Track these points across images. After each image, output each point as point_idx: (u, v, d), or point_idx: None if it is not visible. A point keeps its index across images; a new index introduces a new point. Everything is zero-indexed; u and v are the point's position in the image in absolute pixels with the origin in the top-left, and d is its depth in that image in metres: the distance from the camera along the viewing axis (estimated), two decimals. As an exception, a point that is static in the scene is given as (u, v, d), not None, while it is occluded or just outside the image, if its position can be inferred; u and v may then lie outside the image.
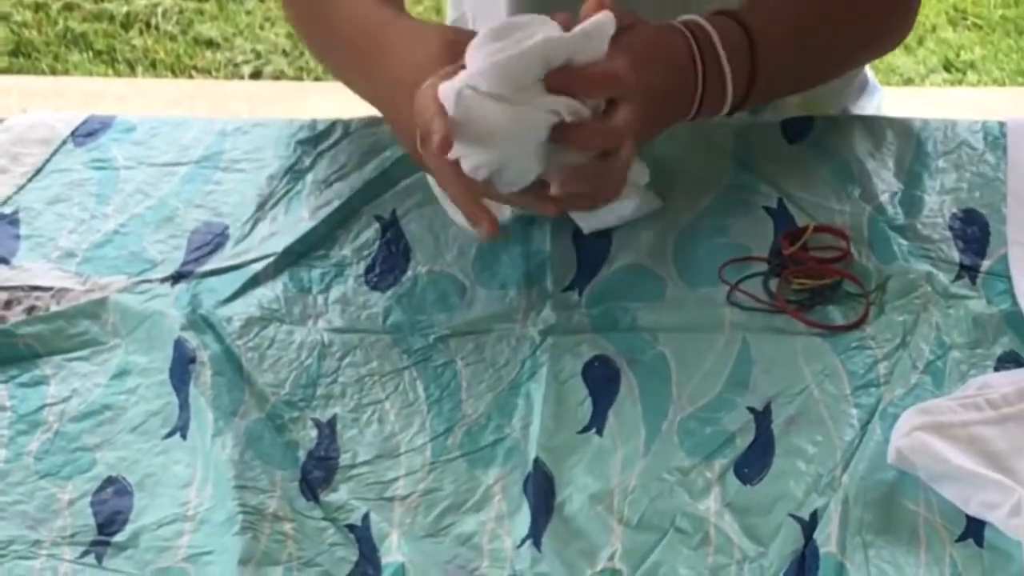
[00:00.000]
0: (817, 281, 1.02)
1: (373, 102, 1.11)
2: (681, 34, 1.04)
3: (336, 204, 1.09)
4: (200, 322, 1.00)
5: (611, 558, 0.86)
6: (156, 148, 1.17)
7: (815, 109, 1.20)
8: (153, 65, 2.96)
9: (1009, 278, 1.02)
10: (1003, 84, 3.01)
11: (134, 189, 1.13)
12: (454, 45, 0.99)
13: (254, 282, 1.04)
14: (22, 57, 3.00)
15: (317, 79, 2.95)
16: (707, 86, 1.04)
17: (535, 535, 0.87)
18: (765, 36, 1.07)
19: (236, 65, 3.01)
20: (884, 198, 1.09)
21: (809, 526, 0.87)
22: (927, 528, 0.87)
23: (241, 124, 1.19)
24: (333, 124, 1.18)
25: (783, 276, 1.03)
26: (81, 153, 1.17)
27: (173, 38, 3.06)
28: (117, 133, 1.18)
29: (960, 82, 3.03)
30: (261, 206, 1.11)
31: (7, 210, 1.12)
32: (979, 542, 0.86)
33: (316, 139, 1.16)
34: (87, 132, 1.18)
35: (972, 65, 3.07)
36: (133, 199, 1.12)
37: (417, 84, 0.97)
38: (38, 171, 1.15)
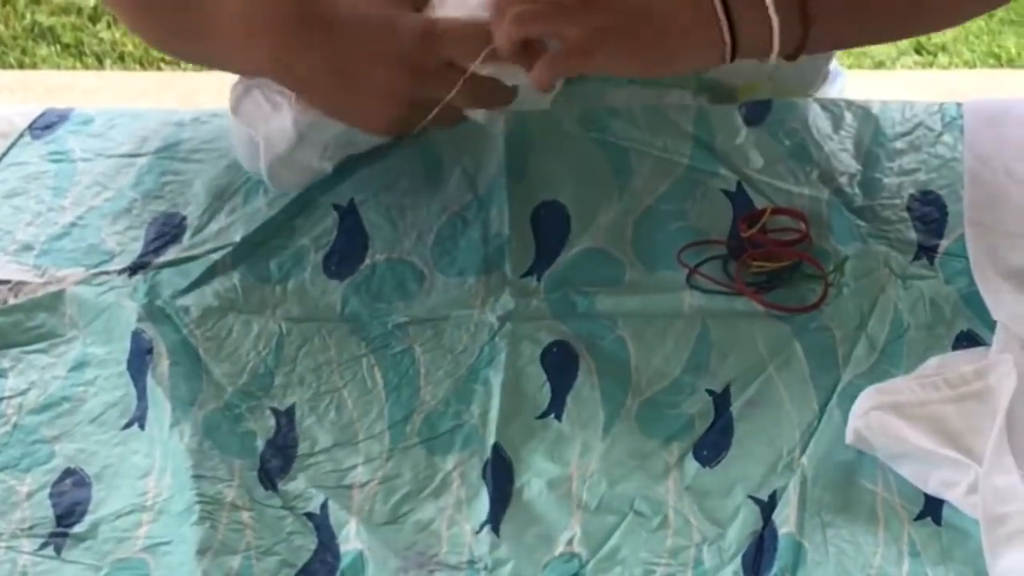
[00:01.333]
0: (775, 264, 1.02)
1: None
2: None
3: (294, 194, 1.09)
4: (157, 313, 1.00)
5: (570, 542, 0.86)
6: (113, 140, 1.16)
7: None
8: (121, 58, 2.95)
9: (967, 258, 1.02)
10: (974, 66, 3.01)
11: (91, 181, 1.13)
12: None
13: (212, 272, 1.03)
14: (-11, 52, 2.99)
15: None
16: (734, 15, 0.97)
17: (494, 520, 0.87)
18: None
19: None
20: (842, 180, 1.09)
21: (768, 507, 0.87)
22: (885, 507, 0.87)
23: (199, 115, 1.18)
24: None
25: (742, 259, 1.02)
26: (39, 146, 1.16)
27: (141, 31, 3.04)
28: (74, 125, 1.18)
29: (931, 64, 3.04)
30: (219, 196, 1.10)
31: (-35, 204, 1.11)
32: (937, 520, 0.86)
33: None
34: (44, 125, 1.18)
35: (943, 47, 3.07)
36: (90, 191, 1.12)
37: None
38: (-5, 164, 1.15)
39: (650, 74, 1.03)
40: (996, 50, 3.06)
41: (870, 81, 2.92)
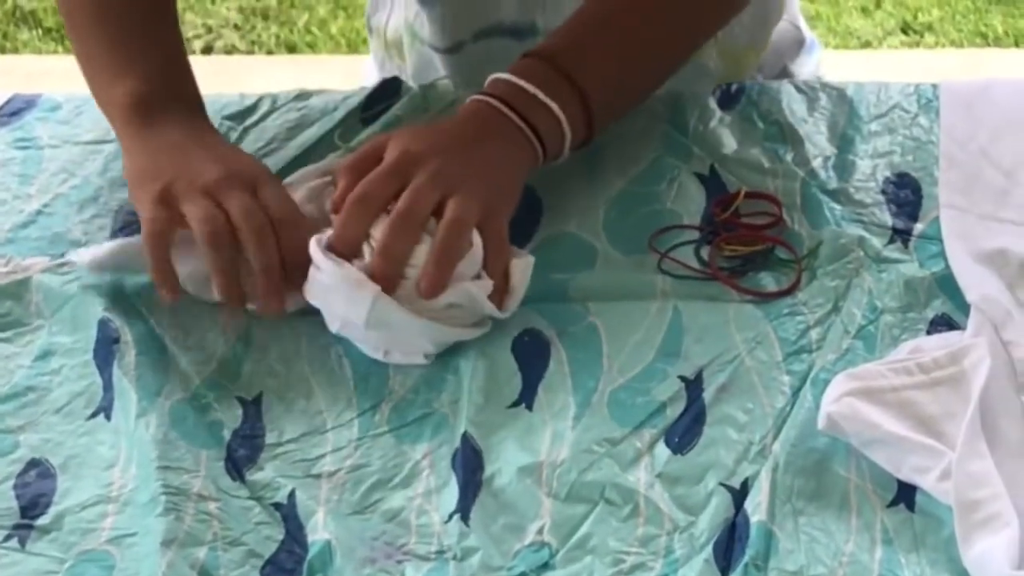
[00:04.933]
0: (749, 248, 1.01)
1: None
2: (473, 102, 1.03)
3: (264, 179, 1.08)
4: (124, 302, 0.99)
5: (540, 531, 0.85)
6: (80, 127, 1.15)
7: (737, 63, 1.19)
8: (103, 42, 2.93)
9: (942, 241, 1.01)
10: (961, 46, 3.01)
11: (58, 168, 1.12)
12: None
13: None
14: (-30, 37, 2.98)
15: (270, 52, 2.93)
16: (530, 117, 1.01)
17: (463, 510, 0.86)
18: (575, 48, 1.05)
19: (187, 40, 2.99)
20: (817, 163, 1.08)
21: (740, 495, 0.86)
22: (858, 494, 0.86)
23: (167, 102, 1.17)
24: (260, 99, 1.16)
25: (715, 243, 1.02)
26: (5, 133, 1.15)
27: (124, 14, 3.02)
28: (42, 112, 1.17)
29: (918, 44, 3.03)
30: (188, 183, 1.09)
31: (-70, 192, 1.10)
32: (910, 507, 0.85)
33: (243, 114, 1.15)
34: (11, 111, 1.17)
35: (930, 27, 3.06)
36: (57, 179, 1.11)
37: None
38: (-39, 152, 1.14)
39: (493, 184, 1.00)
40: (983, 29, 3.05)
41: (856, 61, 2.91)
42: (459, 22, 1.22)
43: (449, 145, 0.98)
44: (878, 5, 3.10)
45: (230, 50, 2.97)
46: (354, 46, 2.95)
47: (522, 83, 1.02)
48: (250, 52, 2.96)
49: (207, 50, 2.97)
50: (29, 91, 1.20)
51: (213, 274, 0.97)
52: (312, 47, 2.94)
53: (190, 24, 3.01)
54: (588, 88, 1.03)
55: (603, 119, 1.05)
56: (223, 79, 2.74)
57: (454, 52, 1.24)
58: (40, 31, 2.97)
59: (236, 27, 3.02)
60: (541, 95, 1.01)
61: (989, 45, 3.03)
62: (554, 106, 1.01)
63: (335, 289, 0.93)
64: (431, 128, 1.03)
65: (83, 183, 1.10)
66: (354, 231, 0.95)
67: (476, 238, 0.95)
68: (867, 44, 3.03)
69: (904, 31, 3.07)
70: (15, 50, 2.92)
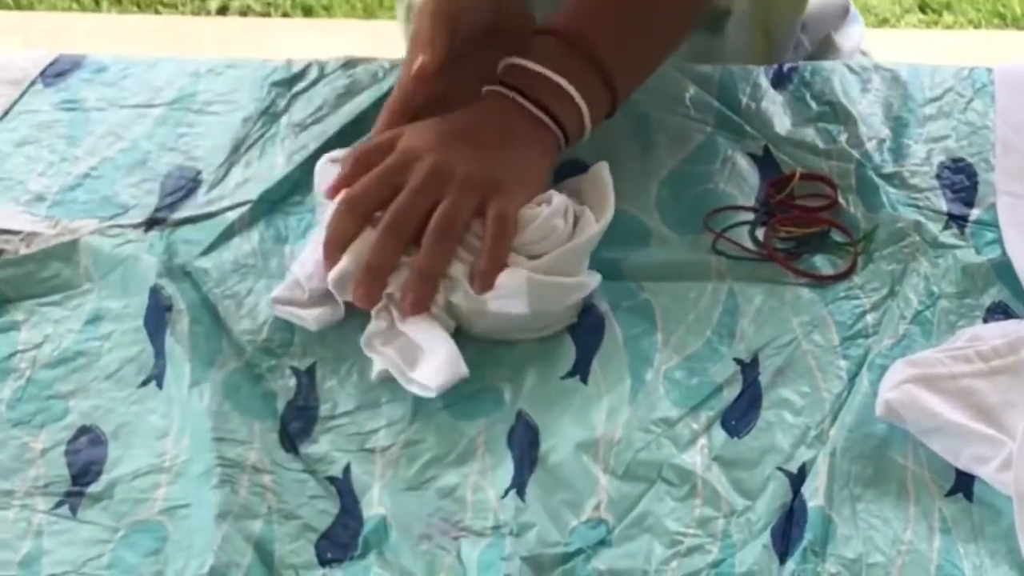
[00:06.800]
0: (804, 229, 1.01)
1: None
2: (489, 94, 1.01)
3: (312, 148, 1.07)
4: (176, 270, 0.98)
5: (597, 508, 0.85)
6: (127, 89, 1.14)
7: (775, 25, 1.18)
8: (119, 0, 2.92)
9: (998, 227, 1.00)
10: (979, 26, 3.00)
11: (105, 131, 1.10)
12: None
13: (230, 232, 1.01)
14: (-15, -8, 2.95)
15: (285, 14, 2.91)
16: (549, 105, 1.00)
17: (519, 485, 0.86)
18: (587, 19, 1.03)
19: (202, 0, 2.97)
20: (871, 145, 1.07)
21: (797, 480, 0.86)
22: (916, 482, 0.85)
23: (214, 65, 1.16)
24: (308, 65, 1.15)
25: (770, 225, 1.01)
26: (51, 94, 1.14)
27: (139, -28, 3.01)
28: (88, 73, 1.15)
29: (936, 23, 3.02)
30: (235, 150, 1.08)
31: (-25, 152, 1.09)
32: (969, 497, 0.84)
33: (291, 81, 1.14)
34: (57, 72, 1.16)
35: (948, 6, 3.05)
36: (104, 141, 1.10)
37: None
38: (6, 112, 1.12)
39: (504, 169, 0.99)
40: (1001, 10, 3.04)
41: (874, 38, 2.90)
42: None
43: (466, 145, 0.97)
44: (896, -18, 3.10)
45: (245, 11, 2.95)
46: (371, 10, 2.94)
47: (535, 67, 1.00)
48: (265, 14, 2.94)
49: (222, 10, 2.95)
50: (49, 48, 1.19)
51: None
52: (328, 10, 2.92)
53: (206, -16, 3.00)
54: (607, 60, 1.01)
55: (626, 87, 1.04)
56: (242, 41, 2.75)
57: None
58: (56, -13, 2.95)
59: (252, -12, 3.00)
60: (556, 77, 1.00)
61: (1007, 26, 3.02)
62: (570, 88, 1.00)
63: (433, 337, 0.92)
64: (445, 126, 1.00)
65: (131, 146, 1.09)
66: (344, 233, 0.94)
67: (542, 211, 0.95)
68: (884, 22, 3.02)
69: (922, 9, 3.06)
70: (31, 6, 2.90)
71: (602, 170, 0.98)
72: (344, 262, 0.93)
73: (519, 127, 0.99)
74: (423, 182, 0.95)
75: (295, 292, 0.95)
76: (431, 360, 0.90)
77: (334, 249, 0.94)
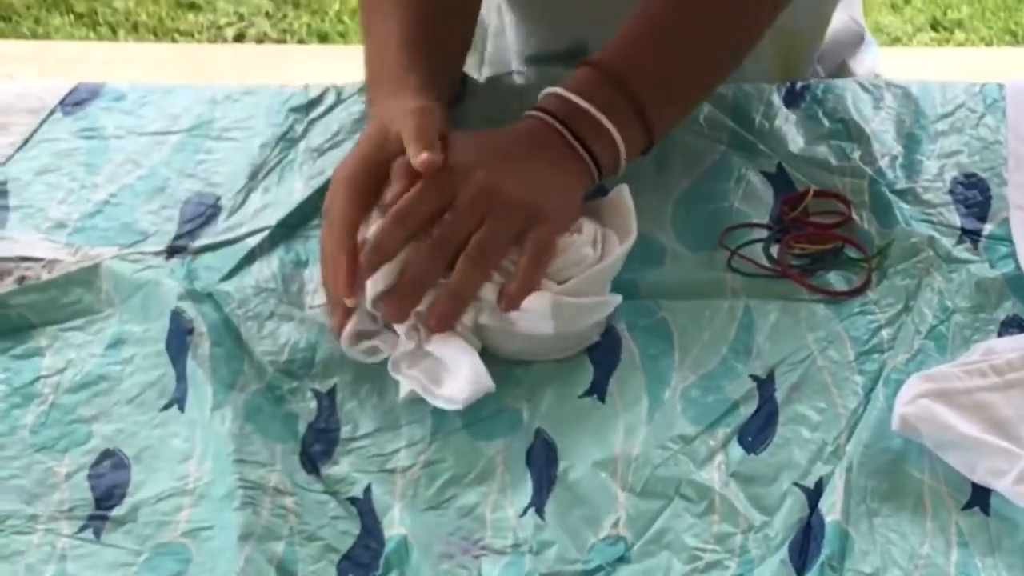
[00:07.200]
0: (818, 246, 1.01)
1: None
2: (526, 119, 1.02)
3: (330, 173, 1.07)
4: (198, 293, 0.99)
5: (615, 525, 0.85)
6: (145, 117, 1.15)
7: (791, 47, 1.19)
8: (135, 28, 2.94)
9: (1012, 242, 1.01)
10: (990, 43, 3.00)
11: (124, 159, 1.12)
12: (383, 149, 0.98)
13: (250, 258, 1.03)
14: (2, 21, 2.97)
15: (301, 41, 2.93)
16: (585, 137, 1.00)
17: (538, 504, 0.86)
18: (630, 56, 1.03)
19: (219, 27, 2.99)
20: (884, 162, 1.08)
21: (814, 495, 0.86)
22: (932, 496, 0.86)
23: (231, 92, 1.17)
24: (325, 91, 1.16)
25: (784, 242, 1.02)
26: (70, 122, 1.15)
27: (155, 0, 3.03)
28: (106, 102, 1.17)
29: (947, 41, 3.03)
30: (253, 176, 1.09)
31: (-4, 180, 1.10)
32: (985, 510, 0.85)
33: (308, 106, 1.15)
34: (75, 101, 1.17)
35: (960, 24, 3.06)
36: (123, 168, 1.11)
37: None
38: (26, 141, 1.14)
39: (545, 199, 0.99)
40: (1013, 27, 3.05)
41: (886, 57, 2.90)
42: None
43: (513, 165, 0.97)
44: (908, 1, 3.10)
45: (261, 38, 2.97)
46: (385, 36, 2.94)
47: (577, 100, 1.00)
48: (281, 40, 2.96)
49: (239, 38, 2.97)
50: (65, 77, 1.20)
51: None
52: (343, 36, 2.94)
53: (222, 12, 3.02)
54: (646, 100, 1.01)
55: (662, 128, 1.04)
56: (259, 68, 2.76)
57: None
58: (72, 16, 2.97)
59: (268, 15, 3.02)
60: (597, 113, 1.00)
61: (1019, 43, 3.02)
62: (610, 125, 1.00)
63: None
64: (492, 142, 1.00)
65: (149, 173, 1.10)
66: (391, 245, 0.94)
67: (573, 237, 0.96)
68: (896, 40, 3.03)
69: (934, 27, 3.07)
70: (47, 35, 2.92)
71: (623, 193, 0.99)
72: (381, 274, 0.93)
73: (559, 155, 1.00)
74: (473, 200, 0.95)
75: (367, 324, 0.95)
76: (457, 375, 0.91)
77: (379, 261, 0.93)
